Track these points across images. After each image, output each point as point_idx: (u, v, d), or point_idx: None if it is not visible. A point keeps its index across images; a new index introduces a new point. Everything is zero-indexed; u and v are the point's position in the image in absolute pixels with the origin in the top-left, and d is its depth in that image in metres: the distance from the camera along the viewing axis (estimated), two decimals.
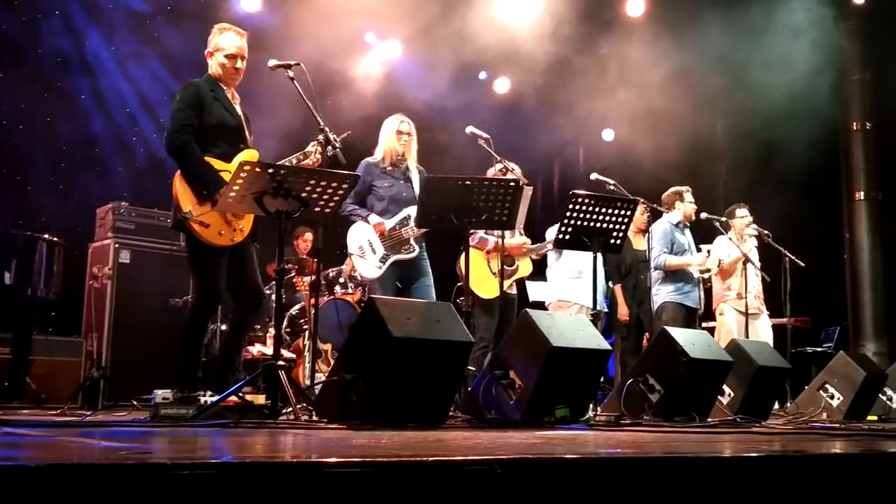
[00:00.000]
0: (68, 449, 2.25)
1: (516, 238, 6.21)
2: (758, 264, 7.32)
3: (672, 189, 7.34)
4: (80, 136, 7.79)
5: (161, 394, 3.95)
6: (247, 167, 3.90)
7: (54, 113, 7.72)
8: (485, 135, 5.50)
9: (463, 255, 5.46)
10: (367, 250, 5.39)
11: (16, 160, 7.49)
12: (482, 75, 9.74)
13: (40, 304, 6.11)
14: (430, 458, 1.88)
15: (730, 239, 7.29)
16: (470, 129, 5.53)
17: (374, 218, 5.39)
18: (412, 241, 5.37)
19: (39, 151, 7.60)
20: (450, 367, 3.87)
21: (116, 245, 6.62)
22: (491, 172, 5.98)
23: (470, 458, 1.91)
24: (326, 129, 4.54)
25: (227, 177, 4.22)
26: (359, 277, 6.53)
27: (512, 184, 4.77)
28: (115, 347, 6.49)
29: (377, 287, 5.39)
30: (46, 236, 6.12)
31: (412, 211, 5.34)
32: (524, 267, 6.35)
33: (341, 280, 6.98)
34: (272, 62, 4.64)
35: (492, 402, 4.13)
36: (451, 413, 4.06)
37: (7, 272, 5.76)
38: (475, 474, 1.84)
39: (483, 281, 6.04)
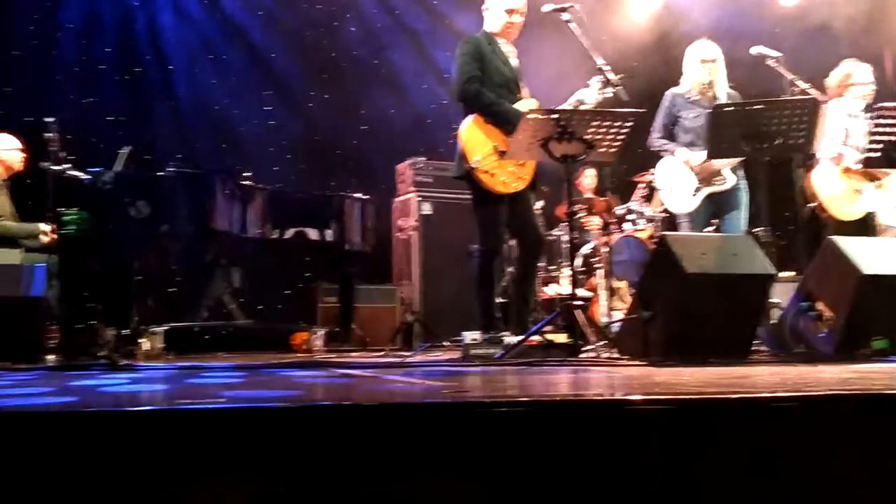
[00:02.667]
0: (401, 389, 2.51)
1: None
2: None
3: None
4: (371, 97, 8.37)
5: (469, 335, 4.24)
6: (532, 115, 4.03)
7: (354, 84, 8.39)
8: (775, 53, 5.14)
9: (812, 173, 5.12)
10: (676, 185, 5.27)
11: (323, 125, 8.25)
12: None
13: (358, 257, 6.73)
14: (735, 395, 1.88)
15: None
16: (756, 49, 5.19)
17: (681, 152, 5.23)
18: (725, 172, 5.15)
19: (341, 115, 8.30)
20: (750, 300, 3.76)
21: (418, 198, 7.11)
22: (787, 95, 5.57)
23: (777, 394, 1.88)
24: (605, 68, 4.52)
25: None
26: (669, 212, 6.38)
27: (808, 101, 4.46)
28: (425, 293, 7.00)
29: (687, 221, 5.25)
30: (357, 195, 6.70)
31: None
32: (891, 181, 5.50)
33: (630, 217, 6.95)
34: (546, 7, 4.66)
35: (799, 335, 3.95)
36: (754, 348, 3.96)
37: (328, 230, 6.42)
38: (783, 411, 1.81)
39: (840, 200, 5.56)
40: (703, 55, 5.26)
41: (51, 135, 4.91)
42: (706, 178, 5.17)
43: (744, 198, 5.21)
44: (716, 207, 5.23)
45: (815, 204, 5.50)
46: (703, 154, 5.10)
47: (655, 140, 5.32)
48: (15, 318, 4.28)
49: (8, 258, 5.32)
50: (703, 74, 5.24)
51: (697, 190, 5.18)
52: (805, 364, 3.45)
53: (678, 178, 5.25)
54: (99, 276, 5.71)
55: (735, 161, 5.08)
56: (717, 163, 5.09)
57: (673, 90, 5.36)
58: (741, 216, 5.18)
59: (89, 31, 7.53)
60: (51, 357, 4.48)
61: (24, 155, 5.69)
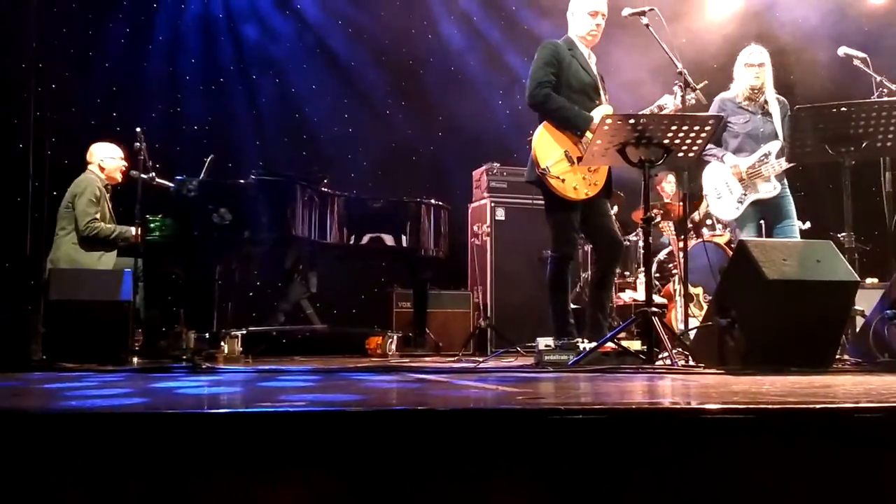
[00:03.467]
0: (475, 395, 2.53)
1: None
2: None
3: None
4: (447, 104, 8.44)
5: (543, 341, 4.23)
6: (609, 120, 4.00)
7: (431, 91, 8.46)
8: (861, 54, 5.02)
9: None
10: (723, 191, 5.27)
11: (400, 132, 8.34)
12: None
13: (432, 263, 6.78)
14: (817, 405, 1.83)
15: None
16: (843, 49, 5.08)
17: (729, 158, 5.24)
18: (773, 179, 5.13)
19: (417, 122, 8.38)
20: (833, 308, 3.66)
21: (492, 204, 7.17)
22: (875, 96, 5.44)
23: (861, 404, 1.84)
24: (685, 71, 4.49)
25: None
26: (716, 219, 6.38)
27: None
28: (498, 298, 7.04)
29: (738, 228, 5.28)
30: (433, 201, 6.76)
31: (772, 147, 5.11)
32: None
33: (708, 222, 6.84)
34: (626, 11, 4.66)
35: (884, 343, 3.83)
36: (837, 357, 3.85)
37: (404, 235, 6.48)
38: (867, 422, 1.77)
39: None
40: (749, 59, 5.27)
41: (139, 144, 5.08)
42: (754, 184, 5.16)
43: (792, 206, 5.21)
44: (763, 214, 5.21)
45: None
46: (751, 159, 5.16)
47: None
48: (105, 321, 4.45)
49: (104, 261, 5.53)
50: (751, 79, 5.23)
51: (744, 196, 5.16)
52: (890, 373, 3.34)
53: (725, 184, 5.25)
54: (182, 280, 5.89)
55: (780, 168, 5.05)
56: (765, 170, 5.11)
57: (722, 95, 5.36)
58: (794, 225, 5.19)
59: (176, 43, 7.79)
60: (136, 359, 4.64)
61: (126, 166, 5.82)
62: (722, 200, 5.29)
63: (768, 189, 5.15)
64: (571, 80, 4.64)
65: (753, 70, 5.25)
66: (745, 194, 5.20)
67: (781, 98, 5.34)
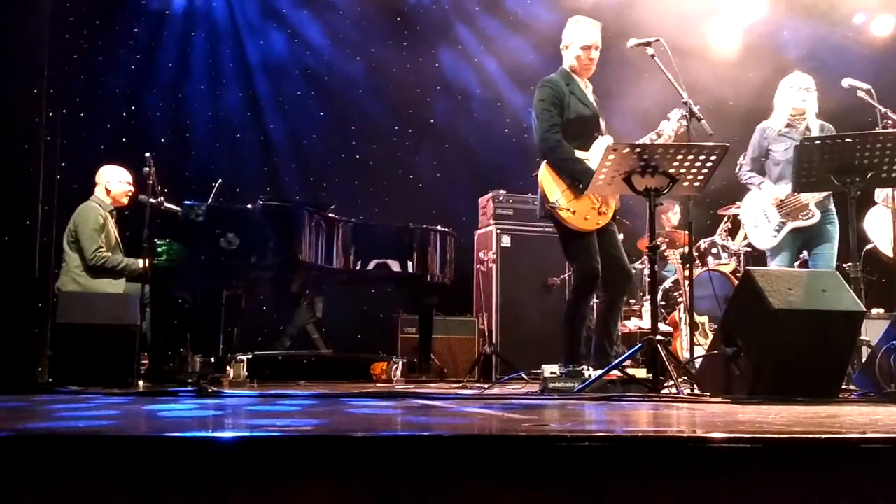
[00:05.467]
0: (479, 421, 2.53)
1: None
2: None
3: None
4: (453, 131, 8.49)
5: (548, 368, 4.23)
6: (614, 149, 4.02)
7: (437, 118, 8.52)
8: (865, 86, 5.04)
9: (868, 214, 5.03)
10: (760, 220, 5.24)
11: (406, 160, 8.38)
12: (858, 18, 8.79)
13: (438, 289, 6.77)
14: (824, 436, 1.84)
15: None
16: (847, 81, 5.10)
17: (767, 186, 5.23)
18: (812, 206, 5.10)
19: (424, 149, 8.43)
20: (839, 338, 3.66)
21: (498, 231, 7.20)
22: (880, 128, 5.46)
23: (868, 435, 1.84)
24: (690, 101, 4.51)
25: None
26: (753, 247, 6.33)
27: None
28: (503, 325, 7.05)
29: (772, 256, 5.22)
30: (439, 228, 6.77)
31: None
32: None
33: (714, 251, 6.84)
34: (631, 42, 4.70)
35: (891, 374, 3.82)
36: (843, 387, 3.84)
37: (410, 262, 6.48)
38: (873, 452, 1.77)
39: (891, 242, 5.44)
40: (795, 83, 5.24)
41: (149, 168, 5.12)
42: (791, 212, 5.11)
43: (834, 232, 5.14)
44: (804, 242, 5.16)
45: (870, 246, 5.37)
46: (790, 187, 5.06)
47: (744, 172, 5.30)
48: (112, 345, 4.46)
49: (112, 287, 5.54)
50: (797, 102, 5.21)
51: (782, 225, 5.11)
52: None
53: (762, 213, 5.20)
54: (188, 305, 5.90)
55: (822, 195, 5.00)
56: (804, 197, 5.05)
57: (764, 123, 5.34)
58: (832, 250, 5.11)
59: (185, 70, 7.86)
60: (141, 383, 4.64)
61: (132, 191, 5.83)
62: (759, 229, 5.27)
63: (808, 216, 5.11)
64: (572, 116, 4.66)
65: (801, 93, 5.21)
66: (784, 223, 5.16)
67: (826, 124, 5.29)
